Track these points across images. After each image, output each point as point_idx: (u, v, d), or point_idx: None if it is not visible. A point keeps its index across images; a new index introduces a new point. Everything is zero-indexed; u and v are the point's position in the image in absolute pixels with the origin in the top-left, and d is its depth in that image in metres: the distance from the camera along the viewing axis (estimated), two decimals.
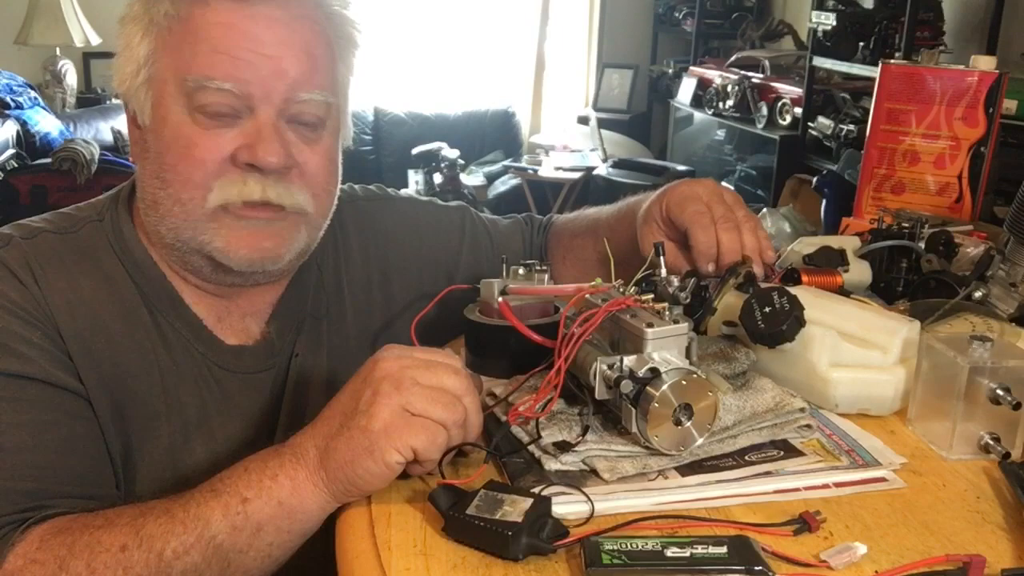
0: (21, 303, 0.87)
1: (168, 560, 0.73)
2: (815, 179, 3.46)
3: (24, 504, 0.79)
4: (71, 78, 4.79)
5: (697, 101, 4.88)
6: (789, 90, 4.16)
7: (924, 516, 0.73)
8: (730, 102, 4.46)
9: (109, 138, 4.38)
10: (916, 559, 0.66)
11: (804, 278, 1.11)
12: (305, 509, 0.75)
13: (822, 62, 3.81)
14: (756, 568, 0.63)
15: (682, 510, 0.72)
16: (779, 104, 4.17)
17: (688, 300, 0.87)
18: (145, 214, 0.95)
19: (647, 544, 0.65)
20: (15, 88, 4.10)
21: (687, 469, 0.78)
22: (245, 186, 0.90)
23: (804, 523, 0.70)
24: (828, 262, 1.19)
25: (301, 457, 0.76)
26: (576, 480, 0.75)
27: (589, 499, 0.72)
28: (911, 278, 1.26)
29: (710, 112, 4.67)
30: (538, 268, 1.00)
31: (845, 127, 3.67)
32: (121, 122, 4.24)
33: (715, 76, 4.65)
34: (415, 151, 5.19)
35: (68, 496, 0.82)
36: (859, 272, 1.22)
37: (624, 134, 5.57)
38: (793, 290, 0.90)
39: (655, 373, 0.75)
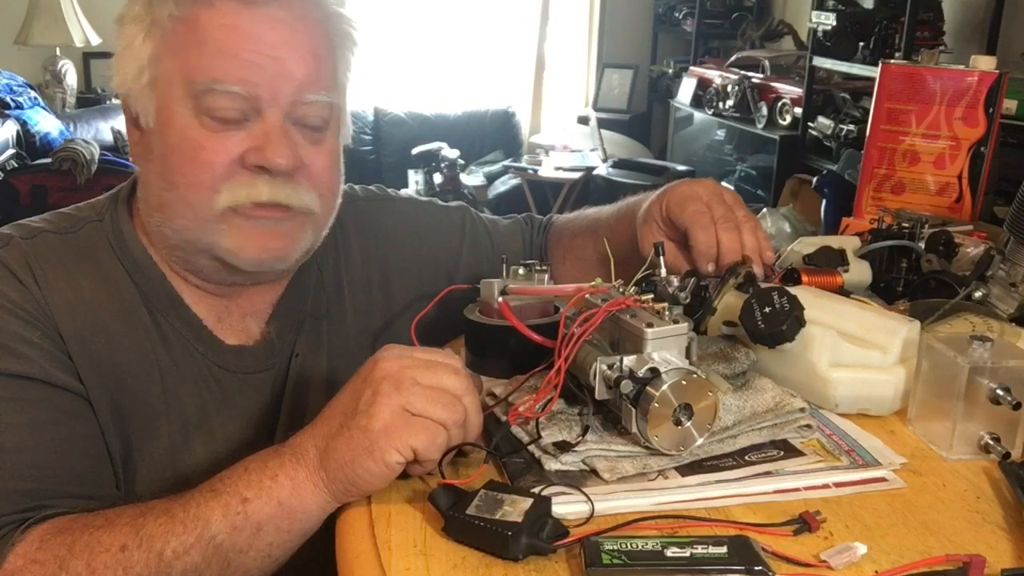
0: (21, 303, 0.87)
1: (168, 560, 0.73)
2: (815, 179, 3.46)
3: (24, 504, 0.79)
4: (71, 78, 4.79)
5: (697, 101, 4.88)
6: (789, 90, 4.16)
7: (924, 516, 0.73)
8: (730, 102, 4.46)
9: (109, 138, 4.38)
10: (916, 559, 0.66)
11: (804, 278, 1.11)
12: (305, 509, 0.75)
13: (822, 62, 3.81)
14: (756, 568, 0.63)
15: (682, 510, 0.72)
16: (779, 104, 4.17)
17: (688, 300, 0.87)
18: (149, 215, 0.95)
19: (647, 544, 0.65)
20: (15, 88, 4.10)
21: (687, 469, 0.78)
22: (254, 188, 0.90)
23: (804, 523, 0.70)
24: (828, 262, 1.19)
25: (301, 457, 0.76)
26: (576, 480, 0.75)
27: (589, 499, 0.72)
28: (911, 278, 1.26)
29: (710, 112, 4.67)
30: (538, 268, 1.00)
31: (845, 127, 3.67)
32: (121, 122, 4.20)
33: (715, 76, 4.65)
34: (415, 151, 5.19)
35: (68, 496, 0.82)
36: (859, 272, 1.22)
37: (624, 134, 5.57)
38: (793, 290, 0.90)
39: (655, 373, 0.75)
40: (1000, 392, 0.79)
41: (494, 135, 5.84)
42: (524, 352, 0.88)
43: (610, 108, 5.78)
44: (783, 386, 0.87)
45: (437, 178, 5.13)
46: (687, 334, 0.80)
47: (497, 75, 6.00)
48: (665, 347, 0.79)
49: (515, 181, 5.23)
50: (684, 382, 0.75)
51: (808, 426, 0.84)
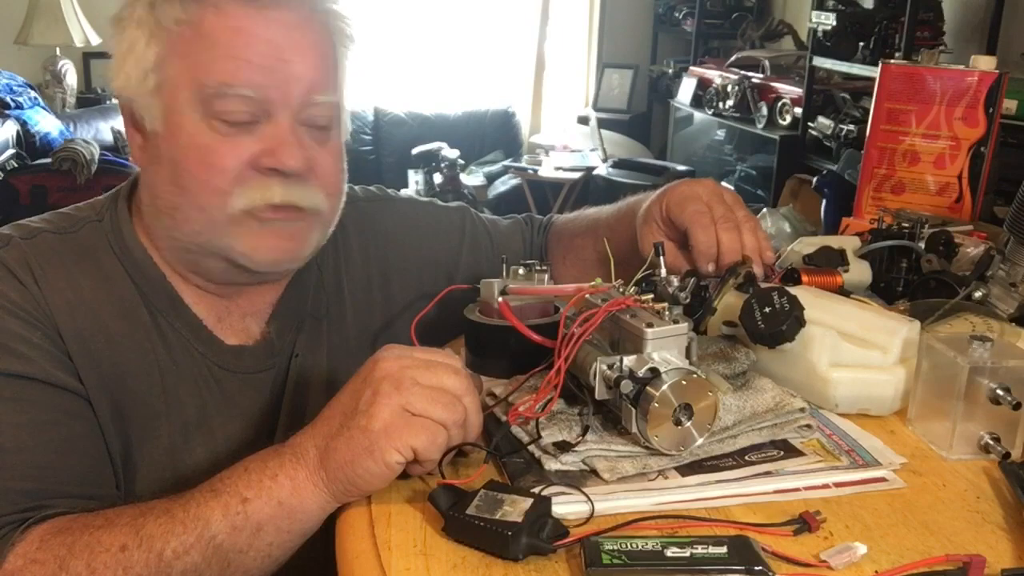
0: (21, 303, 0.87)
1: (168, 560, 0.73)
2: (815, 179, 3.45)
3: (24, 504, 0.79)
4: (71, 78, 4.79)
5: (697, 101, 4.88)
6: (789, 90, 4.16)
7: (924, 516, 0.73)
8: (730, 102, 4.46)
9: (109, 138, 4.38)
10: (916, 559, 0.66)
11: (804, 278, 1.11)
12: (305, 509, 0.75)
13: (822, 62, 3.81)
14: (756, 568, 0.63)
15: (682, 510, 0.72)
16: (779, 104, 4.17)
17: (688, 300, 0.87)
18: (157, 219, 0.95)
19: (647, 544, 0.65)
20: (15, 88, 4.10)
21: (687, 469, 0.78)
22: (268, 190, 0.90)
23: (804, 523, 0.70)
24: (828, 262, 1.19)
25: (301, 457, 0.76)
26: (576, 480, 0.75)
27: (589, 499, 0.72)
28: (911, 278, 1.26)
29: (710, 112, 4.67)
30: (538, 268, 1.00)
31: (845, 127, 3.67)
32: (121, 122, 4.23)
33: (715, 76, 4.65)
34: (415, 151, 5.19)
35: (68, 496, 0.82)
36: (859, 272, 1.22)
37: (624, 134, 5.56)
38: (793, 290, 0.90)
39: (655, 373, 0.75)
40: (1000, 392, 0.79)
41: (494, 135, 5.83)
42: (524, 352, 0.88)
43: (610, 108, 5.78)
44: (783, 386, 0.87)
45: (437, 178, 5.13)
46: (687, 334, 0.80)
47: (497, 75, 5.99)
48: (665, 347, 0.79)
49: (515, 181, 5.23)
50: (684, 382, 0.75)
51: (808, 426, 0.84)
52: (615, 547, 0.64)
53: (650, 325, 0.78)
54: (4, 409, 0.82)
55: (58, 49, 4.70)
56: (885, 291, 1.26)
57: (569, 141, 5.41)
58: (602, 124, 5.33)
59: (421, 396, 0.74)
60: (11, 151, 3.76)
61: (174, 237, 0.94)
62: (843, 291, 1.12)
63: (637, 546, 0.65)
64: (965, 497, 0.76)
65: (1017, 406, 0.78)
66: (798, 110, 4.03)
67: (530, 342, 0.87)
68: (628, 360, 0.78)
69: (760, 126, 4.27)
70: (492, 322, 0.95)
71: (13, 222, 0.95)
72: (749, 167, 4.54)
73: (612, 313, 0.82)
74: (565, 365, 0.79)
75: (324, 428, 0.77)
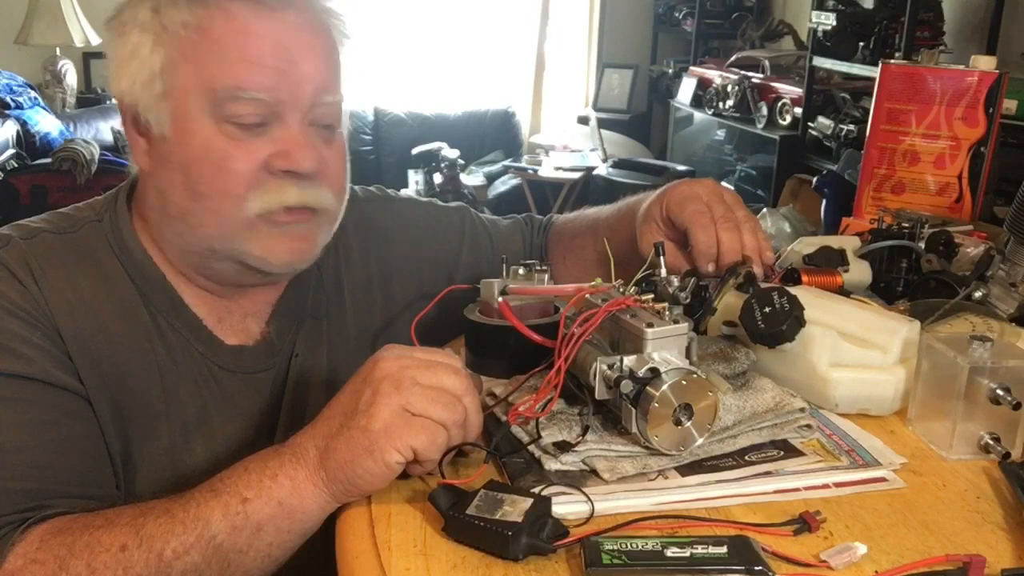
0: (21, 303, 0.87)
1: (168, 560, 0.73)
2: (815, 179, 3.45)
3: (24, 504, 0.79)
4: (71, 78, 4.79)
5: (697, 101, 4.88)
6: (789, 90, 4.16)
7: (924, 516, 0.73)
8: (730, 102, 4.46)
9: (109, 138, 4.38)
10: (916, 559, 0.66)
11: (804, 278, 1.11)
12: (305, 509, 0.75)
13: (822, 62, 3.81)
14: (756, 568, 0.63)
15: (682, 510, 0.72)
16: (779, 104, 4.17)
17: (688, 300, 0.87)
18: (165, 223, 0.94)
19: (647, 544, 0.65)
20: (15, 88, 4.10)
21: (687, 469, 0.78)
22: (283, 192, 0.90)
23: (804, 523, 0.70)
24: (828, 262, 1.19)
25: (301, 457, 0.76)
26: (576, 480, 0.75)
27: (589, 499, 0.72)
28: (911, 278, 1.26)
29: (710, 112, 4.67)
30: (538, 268, 1.00)
31: (845, 127, 3.67)
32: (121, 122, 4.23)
33: (715, 76, 4.65)
34: (415, 151, 5.18)
35: (68, 496, 0.82)
36: (859, 272, 1.23)
37: (624, 134, 5.56)
38: (793, 290, 0.90)
39: (655, 373, 0.75)
40: (1000, 392, 0.79)
41: (494, 135, 5.83)
42: (524, 352, 0.88)
43: (610, 108, 5.78)
44: (783, 386, 0.87)
45: (437, 178, 5.13)
46: (687, 334, 0.80)
47: (497, 75, 5.99)
48: (665, 347, 0.79)
49: (515, 181, 5.22)
50: (684, 382, 0.75)
51: (808, 426, 0.84)
52: (615, 547, 0.64)
53: (650, 325, 0.78)
54: (4, 409, 0.82)
55: (58, 49, 4.70)
56: (885, 291, 1.26)
57: (569, 141, 5.41)
58: (602, 124, 5.33)
59: (421, 396, 0.74)
60: (11, 151, 3.76)
61: (186, 241, 0.93)
62: (843, 291, 1.12)
63: (637, 546, 0.65)
64: (965, 497, 0.76)
65: (1017, 406, 0.78)
66: (798, 110, 4.03)
67: (530, 342, 0.87)
68: (628, 360, 0.78)
69: (760, 126, 4.27)
70: (492, 322, 0.95)
71: (13, 222, 0.95)
72: (749, 167, 4.54)
73: (612, 313, 0.82)
74: (565, 365, 0.79)
75: (324, 428, 0.77)
